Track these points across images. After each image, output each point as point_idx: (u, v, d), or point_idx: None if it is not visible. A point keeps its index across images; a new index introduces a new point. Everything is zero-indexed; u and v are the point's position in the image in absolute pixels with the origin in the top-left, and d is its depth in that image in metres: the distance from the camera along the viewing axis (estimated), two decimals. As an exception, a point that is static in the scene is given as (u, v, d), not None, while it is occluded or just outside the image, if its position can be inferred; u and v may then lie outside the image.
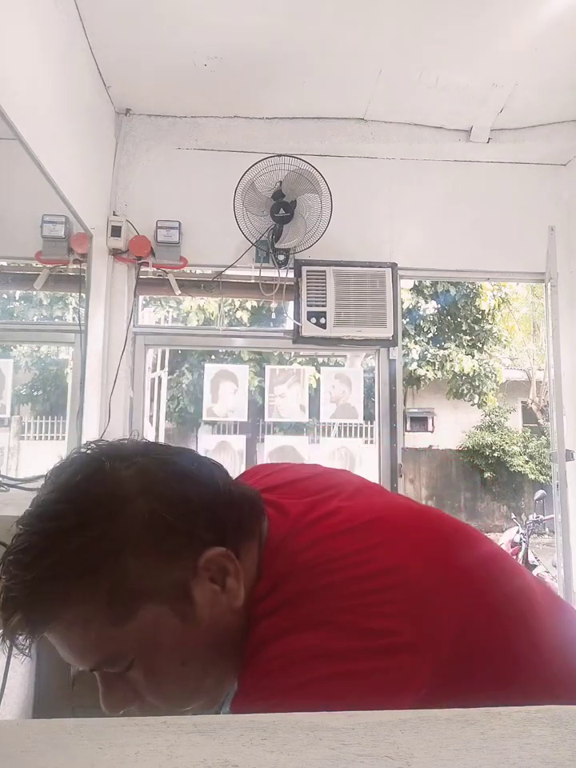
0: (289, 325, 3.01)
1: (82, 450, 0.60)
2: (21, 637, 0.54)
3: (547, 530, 7.40)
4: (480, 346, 10.67)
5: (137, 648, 0.55)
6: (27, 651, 0.55)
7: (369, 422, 4.39)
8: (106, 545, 0.54)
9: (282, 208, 2.72)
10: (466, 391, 10.57)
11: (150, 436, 3.03)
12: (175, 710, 0.59)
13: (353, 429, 4.53)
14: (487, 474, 11.33)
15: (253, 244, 2.78)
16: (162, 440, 3.83)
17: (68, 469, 0.59)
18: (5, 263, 2.71)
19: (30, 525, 0.55)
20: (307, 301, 2.82)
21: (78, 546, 0.53)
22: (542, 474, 10.94)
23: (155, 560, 0.55)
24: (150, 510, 0.55)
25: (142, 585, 0.54)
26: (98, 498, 0.55)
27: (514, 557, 4.81)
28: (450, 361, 10.24)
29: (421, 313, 10.26)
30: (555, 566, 3.27)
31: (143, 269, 2.85)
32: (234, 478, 0.68)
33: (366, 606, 0.53)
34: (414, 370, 10.33)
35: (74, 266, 2.57)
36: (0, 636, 0.54)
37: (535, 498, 6.01)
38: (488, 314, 10.40)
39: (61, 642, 0.56)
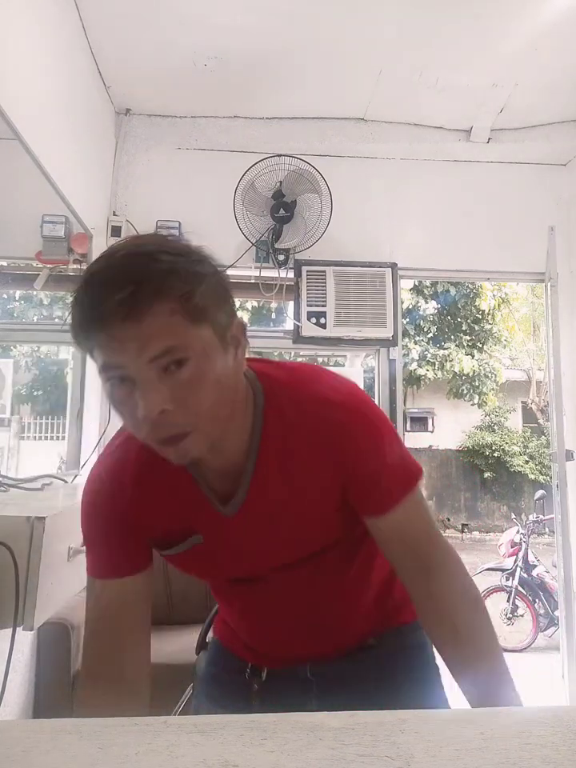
0: (289, 325, 3.01)
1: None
2: (120, 310, 0.64)
3: (547, 529, 7.40)
4: (480, 345, 10.66)
5: (195, 349, 0.68)
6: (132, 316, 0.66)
7: (369, 422, 4.38)
8: (202, 267, 0.71)
9: (282, 208, 2.72)
10: (465, 391, 10.56)
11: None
12: (195, 421, 0.70)
13: (353, 429, 4.52)
14: (487, 474, 11.32)
15: (253, 244, 2.78)
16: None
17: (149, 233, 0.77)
18: (5, 263, 2.70)
19: (149, 239, 0.73)
20: (307, 301, 2.82)
21: (187, 259, 0.70)
22: (542, 474, 10.94)
23: (219, 299, 0.72)
24: (219, 271, 0.74)
25: (211, 307, 0.70)
26: (192, 246, 0.73)
27: (514, 557, 4.82)
28: (450, 361, 10.23)
29: (421, 313, 10.25)
30: (555, 566, 3.27)
31: (143, 269, 2.84)
32: None
33: (329, 391, 0.81)
34: (414, 369, 10.33)
35: (74, 266, 2.57)
36: (111, 306, 0.65)
37: (535, 498, 6.02)
38: (488, 313, 10.40)
39: (146, 325, 0.65)
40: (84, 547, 0.86)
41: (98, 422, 2.69)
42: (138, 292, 0.65)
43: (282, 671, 0.96)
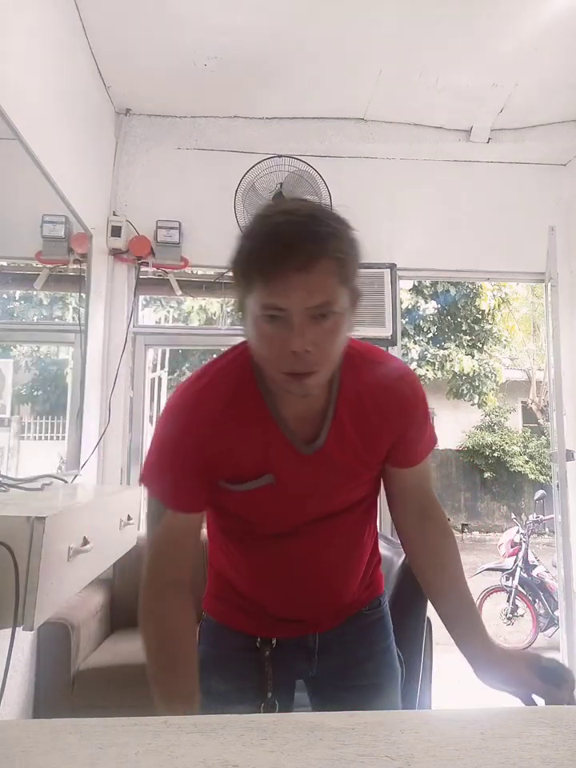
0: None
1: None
2: (298, 262, 0.76)
3: (547, 529, 7.40)
4: (480, 346, 10.65)
5: (338, 306, 0.81)
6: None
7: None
8: (354, 238, 0.84)
9: (282, 208, 2.72)
10: (465, 391, 10.55)
11: (149, 436, 3.02)
12: (323, 363, 0.83)
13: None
14: (487, 474, 11.32)
15: (253, 244, 2.77)
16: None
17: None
18: (5, 263, 2.70)
19: (312, 204, 0.85)
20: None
21: (345, 229, 0.83)
22: (542, 474, 10.93)
23: (358, 270, 0.84)
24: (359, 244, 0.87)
25: (353, 274, 0.83)
26: (343, 217, 0.85)
27: (514, 557, 4.81)
28: (450, 361, 10.22)
29: (421, 313, 10.25)
30: (555, 566, 3.27)
31: (143, 269, 2.84)
32: None
33: (396, 363, 1.02)
34: (414, 370, 10.31)
35: (74, 266, 2.56)
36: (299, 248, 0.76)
37: (535, 498, 6.01)
38: (488, 313, 10.38)
39: (313, 279, 0.77)
40: (148, 476, 0.94)
41: (97, 422, 2.69)
42: (316, 249, 0.77)
43: (291, 640, 1.06)
